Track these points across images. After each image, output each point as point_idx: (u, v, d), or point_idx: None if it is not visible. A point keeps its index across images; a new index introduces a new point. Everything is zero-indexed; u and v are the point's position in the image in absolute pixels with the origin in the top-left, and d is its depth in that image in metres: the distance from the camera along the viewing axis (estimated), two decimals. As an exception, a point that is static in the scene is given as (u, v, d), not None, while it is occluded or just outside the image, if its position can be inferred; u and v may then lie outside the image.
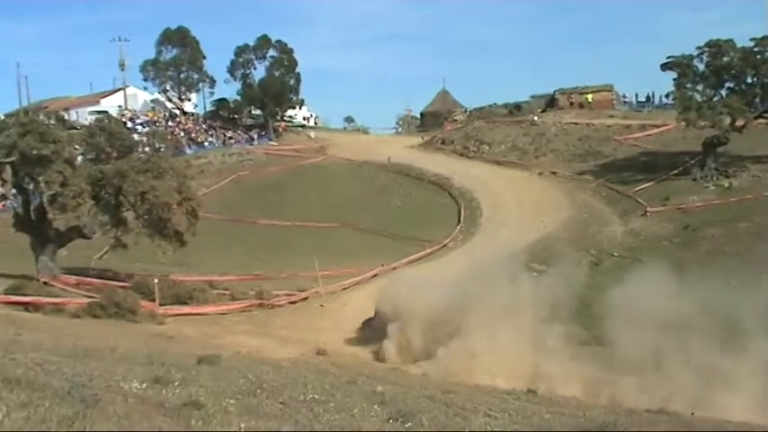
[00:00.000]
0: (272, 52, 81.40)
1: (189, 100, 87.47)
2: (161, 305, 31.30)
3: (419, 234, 49.60)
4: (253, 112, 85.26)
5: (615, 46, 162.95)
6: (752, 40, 54.56)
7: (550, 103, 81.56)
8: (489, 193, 57.77)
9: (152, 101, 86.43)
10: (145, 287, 32.12)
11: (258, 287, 36.27)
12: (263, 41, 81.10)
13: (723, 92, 56.59)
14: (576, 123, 72.61)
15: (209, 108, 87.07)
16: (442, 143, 76.04)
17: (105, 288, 31.83)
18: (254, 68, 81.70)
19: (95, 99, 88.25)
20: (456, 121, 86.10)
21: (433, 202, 59.08)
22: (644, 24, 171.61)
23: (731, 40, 55.39)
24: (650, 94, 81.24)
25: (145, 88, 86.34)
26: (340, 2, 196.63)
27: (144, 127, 72.80)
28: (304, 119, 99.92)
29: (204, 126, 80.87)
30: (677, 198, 51.55)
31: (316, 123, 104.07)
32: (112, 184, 33.09)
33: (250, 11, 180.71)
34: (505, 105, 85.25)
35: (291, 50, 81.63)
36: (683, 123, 56.73)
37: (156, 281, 31.91)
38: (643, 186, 54.65)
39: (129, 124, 70.37)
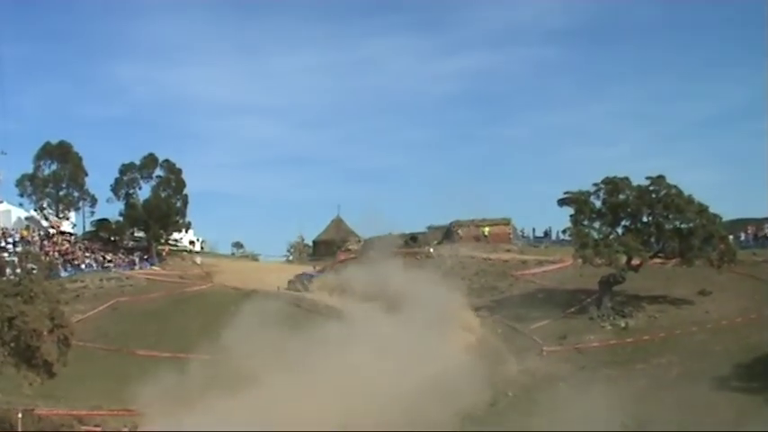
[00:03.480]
0: (158, 172, 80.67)
1: (67, 219, 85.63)
2: (24, 442, 30.19)
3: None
4: (135, 234, 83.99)
5: (514, 178, 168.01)
6: (647, 178, 57.23)
7: (447, 234, 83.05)
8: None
9: (27, 218, 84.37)
10: (6, 422, 31.02)
11: (132, 423, 35.32)
12: (150, 160, 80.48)
13: (619, 230, 58.60)
14: (473, 257, 73.89)
15: (88, 228, 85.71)
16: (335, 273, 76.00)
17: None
18: (139, 188, 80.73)
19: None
20: (350, 250, 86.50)
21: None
22: (544, 157, 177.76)
23: (627, 178, 57.90)
24: (548, 230, 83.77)
25: (20, 204, 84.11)
26: (234, 122, 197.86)
27: (16, 246, 71.15)
28: (190, 243, 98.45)
29: (82, 247, 79.51)
30: (574, 337, 52.87)
31: (202, 248, 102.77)
32: (-23, 308, 32.21)
33: (138, 127, 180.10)
34: (402, 235, 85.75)
35: (180, 171, 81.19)
36: (580, 260, 58.49)
37: (19, 415, 30.86)
38: (540, 324, 55.56)
39: (1, 243, 68.67)
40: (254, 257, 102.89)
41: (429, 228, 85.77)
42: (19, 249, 68.28)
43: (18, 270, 39.68)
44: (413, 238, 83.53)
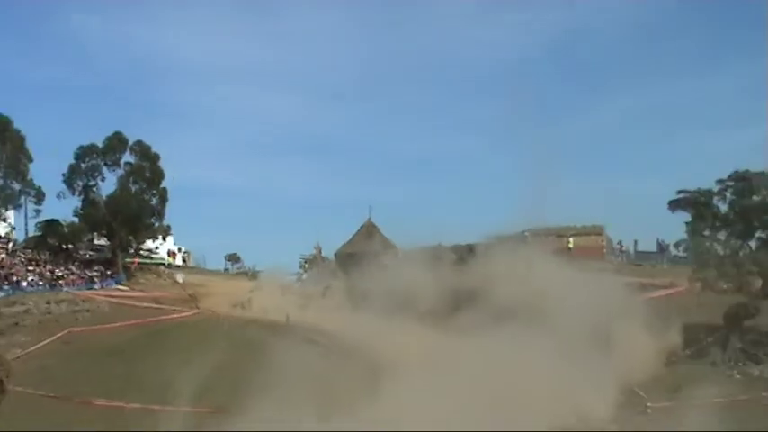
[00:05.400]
0: (127, 157, 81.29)
1: (4, 220, 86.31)
2: None
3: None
4: (96, 241, 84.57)
5: (607, 171, 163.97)
6: (791, 172, 56.19)
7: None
8: (434, 374, 54.97)
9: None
10: None
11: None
12: (116, 142, 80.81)
13: (752, 243, 57.76)
14: (553, 277, 73.46)
15: (32, 232, 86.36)
16: (364, 296, 75.92)
17: None
18: (102, 179, 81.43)
19: None
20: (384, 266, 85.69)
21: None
22: (648, 144, 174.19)
23: (764, 173, 56.85)
24: (662, 242, 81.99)
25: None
26: (230, 93, 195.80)
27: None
28: (169, 254, 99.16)
29: (24, 258, 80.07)
30: (689, 389, 51.87)
31: (185, 261, 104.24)
32: None
33: (101, 98, 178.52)
34: (455, 248, 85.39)
35: (156, 157, 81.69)
36: (698, 285, 58.76)
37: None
38: (643, 371, 54.73)
39: None
40: (254, 275, 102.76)
41: (491, 238, 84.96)
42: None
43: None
44: (470, 250, 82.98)
